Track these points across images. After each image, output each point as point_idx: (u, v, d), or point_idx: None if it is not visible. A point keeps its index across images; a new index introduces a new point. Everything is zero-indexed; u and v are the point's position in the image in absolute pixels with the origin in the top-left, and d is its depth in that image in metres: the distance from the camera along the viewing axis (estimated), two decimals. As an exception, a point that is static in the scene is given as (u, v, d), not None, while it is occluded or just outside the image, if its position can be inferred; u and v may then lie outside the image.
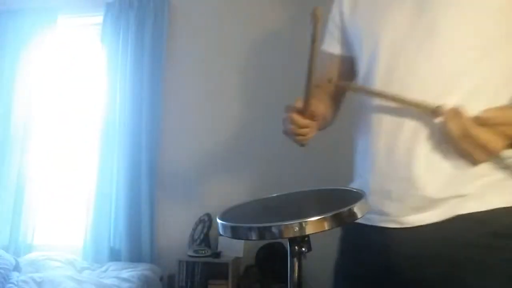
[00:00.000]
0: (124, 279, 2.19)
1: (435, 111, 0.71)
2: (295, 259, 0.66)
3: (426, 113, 0.72)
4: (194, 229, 2.51)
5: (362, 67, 0.87)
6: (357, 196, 0.69)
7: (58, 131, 2.98)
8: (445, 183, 0.74)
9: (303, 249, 0.65)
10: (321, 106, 0.92)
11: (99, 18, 2.86)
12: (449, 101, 0.70)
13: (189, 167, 2.70)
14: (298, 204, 0.85)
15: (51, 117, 2.92)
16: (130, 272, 2.29)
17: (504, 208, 0.74)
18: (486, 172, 0.74)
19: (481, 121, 0.65)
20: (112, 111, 2.73)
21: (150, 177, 2.66)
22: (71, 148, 2.97)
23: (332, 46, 0.98)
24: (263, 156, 2.54)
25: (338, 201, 0.77)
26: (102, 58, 2.82)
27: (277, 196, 0.94)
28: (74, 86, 3.03)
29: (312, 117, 0.84)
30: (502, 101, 0.73)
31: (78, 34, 3.09)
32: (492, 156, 0.68)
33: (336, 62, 0.98)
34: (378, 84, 0.81)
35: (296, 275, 0.67)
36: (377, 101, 0.81)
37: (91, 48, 3.01)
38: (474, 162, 0.69)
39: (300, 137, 0.88)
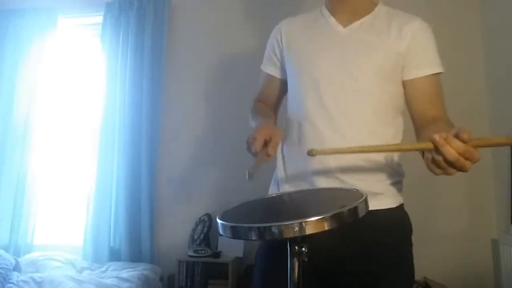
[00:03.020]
0: (124, 279, 2.19)
1: (431, 143, 0.74)
2: (295, 259, 0.66)
3: (424, 150, 0.79)
4: (194, 229, 2.51)
5: (298, 93, 1.11)
6: (356, 196, 0.69)
7: (58, 131, 2.98)
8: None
9: (303, 249, 0.66)
10: (270, 121, 1.16)
11: (99, 18, 2.86)
12: (361, 120, 1.03)
13: (189, 167, 2.70)
14: (298, 204, 0.86)
15: (51, 117, 2.93)
16: (130, 272, 2.29)
17: (397, 206, 1.05)
18: (386, 177, 1.04)
19: (463, 139, 0.72)
20: (112, 111, 2.73)
21: (150, 177, 2.65)
22: (71, 148, 2.97)
23: (271, 69, 1.23)
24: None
25: (338, 201, 0.77)
26: (102, 58, 2.81)
27: (277, 196, 0.95)
28: (74, 86, 3.04)
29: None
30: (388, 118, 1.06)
31: (78, 34, 3.09)
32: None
33: (275, 82, 1.24)
34: (311, 107, 1.06)
35: (296, 275, 0.67)
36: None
37: (91, 48, 3.01)
38: (459, 171, 0.76)
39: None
